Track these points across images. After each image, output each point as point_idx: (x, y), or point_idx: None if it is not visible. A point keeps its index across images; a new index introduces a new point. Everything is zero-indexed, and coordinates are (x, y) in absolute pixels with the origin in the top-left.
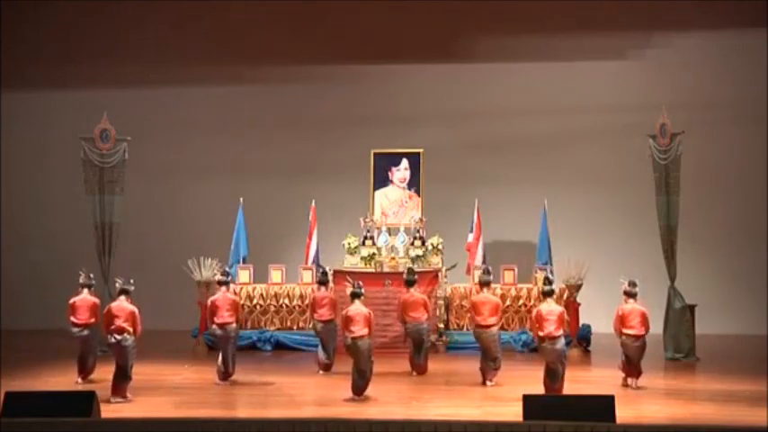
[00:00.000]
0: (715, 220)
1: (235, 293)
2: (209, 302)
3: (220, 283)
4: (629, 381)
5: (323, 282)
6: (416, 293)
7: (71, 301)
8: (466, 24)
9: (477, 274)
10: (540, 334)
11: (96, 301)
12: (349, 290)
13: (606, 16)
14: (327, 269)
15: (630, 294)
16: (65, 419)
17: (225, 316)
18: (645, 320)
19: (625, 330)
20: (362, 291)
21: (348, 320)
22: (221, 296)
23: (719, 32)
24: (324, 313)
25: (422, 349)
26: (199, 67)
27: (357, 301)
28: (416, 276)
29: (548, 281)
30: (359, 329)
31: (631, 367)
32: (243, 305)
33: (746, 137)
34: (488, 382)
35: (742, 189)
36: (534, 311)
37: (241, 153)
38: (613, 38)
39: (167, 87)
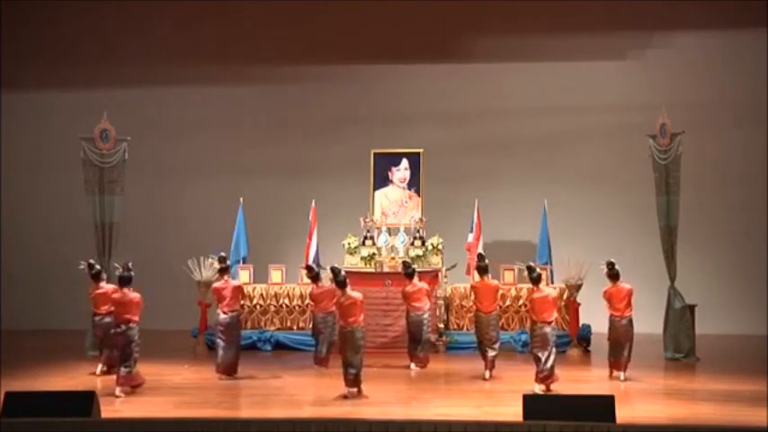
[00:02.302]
0: (715, 220)
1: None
2: (213, 288)
3: (221, 271)
4: (616, 374)
5: (315, 278)
6: (418, 283)
7: (92, 294)
8: (466, 24)
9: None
10: (534, 318)
11: (113, 288)
12: (334, 277)
13: (606, 16)
14: (313, 265)
15: (612, 276)
16: (65, 419)
17: (232, 303)
18: (630, 300)
19: (611, 311)
20: (345, 276)
21: (345, 310)
22: (222, 283)
23: (719, 32)
24: (324, 306)
25: (422, 340)
26: (199, 67)
27: (347, 289)
28: (414, 267)
29: (530, 269)
30: (357, 318)
31: (617, 357)
32: (243, 305)
33: (747, 137)
34: (487, 373)
35: (742, 189)
36: (530, 299)
37: (241, 153)
38: (614, 38)
39: (167, 87)
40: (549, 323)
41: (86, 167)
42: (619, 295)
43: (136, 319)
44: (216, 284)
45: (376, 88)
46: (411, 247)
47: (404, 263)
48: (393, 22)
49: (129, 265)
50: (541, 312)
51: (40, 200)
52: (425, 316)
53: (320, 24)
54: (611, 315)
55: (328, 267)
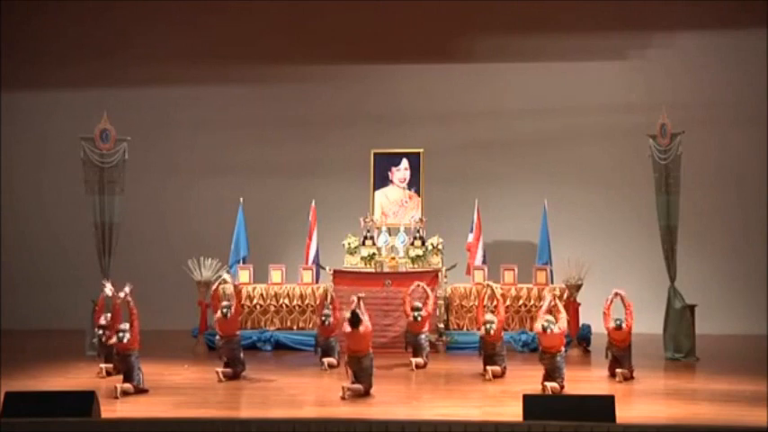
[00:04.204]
0: (715, 220)
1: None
2: (216, 319)
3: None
4: (618, 370)
5: (355, 324)
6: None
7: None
8: (466, 24)
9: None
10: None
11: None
12: (348, 313)
13: (607, 16)
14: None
15: (616, 327)
16: (65, 419)
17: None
18: (629, 333)
19: (611, 340)
20: (363, 318)
21: (352, 340)
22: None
23: (720, 33)
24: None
25: (422, 351)
26: (199, 67)
27: (359, 328)
28: (423, 311)
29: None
30: (367, 346)
31: (618, 365)
32: (243, 305)
33: (747, 137)
34: (487, 368)
35: (742, 189)
36: (539, 335)
37: (241, 153)
38: (614, 38)
39: (168, 87)
40: (559, 351)
41: (86, 167)
42: (621, 334)
43: (135, 346)
44: (217, 316)
45: (376, 88)
46: (411, 247)
47: (414, 307)
48: (393, 22)
49: (126, 287)
50: (551, 347)
51: (40, 200)
52: (422, 337)
53: (320, 24)
54: (611, 340)
55: (332, 269)
